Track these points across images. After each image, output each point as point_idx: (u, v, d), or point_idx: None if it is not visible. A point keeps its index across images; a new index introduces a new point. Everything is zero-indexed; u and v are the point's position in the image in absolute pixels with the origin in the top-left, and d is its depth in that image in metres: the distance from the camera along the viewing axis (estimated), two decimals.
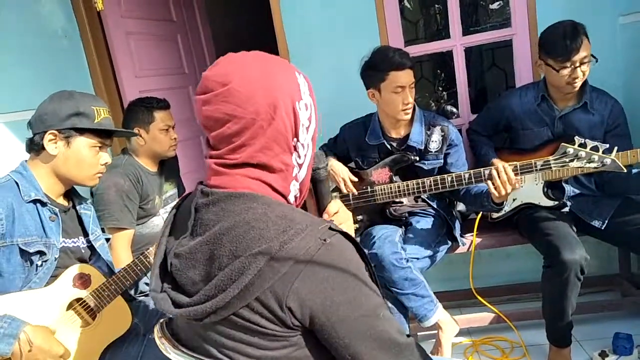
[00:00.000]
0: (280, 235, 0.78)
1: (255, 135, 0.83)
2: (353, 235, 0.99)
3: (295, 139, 0.87)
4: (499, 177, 1.84)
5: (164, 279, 0.90)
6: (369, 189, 2.16)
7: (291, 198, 0.91)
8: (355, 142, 2.24)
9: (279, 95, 0.83)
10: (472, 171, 1.96)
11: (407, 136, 2.13)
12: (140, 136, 2.08)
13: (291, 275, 0.76)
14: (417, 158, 2.11)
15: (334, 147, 2.32)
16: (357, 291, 0.81)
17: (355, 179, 2.18)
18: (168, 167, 2.27)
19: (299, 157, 0.89)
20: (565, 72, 1.95)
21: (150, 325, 1.55)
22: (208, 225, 0.83)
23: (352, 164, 2.28)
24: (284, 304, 0.77)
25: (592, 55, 1.94)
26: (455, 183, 1.98)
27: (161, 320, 1.01)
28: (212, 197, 0.84)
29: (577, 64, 1.92)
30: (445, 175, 2.00)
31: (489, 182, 1.87)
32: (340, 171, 2.15)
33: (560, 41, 1.92)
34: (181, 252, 0.86)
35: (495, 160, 2.06)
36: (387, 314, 0.84)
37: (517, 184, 1.86)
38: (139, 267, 1.52)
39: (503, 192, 1.84)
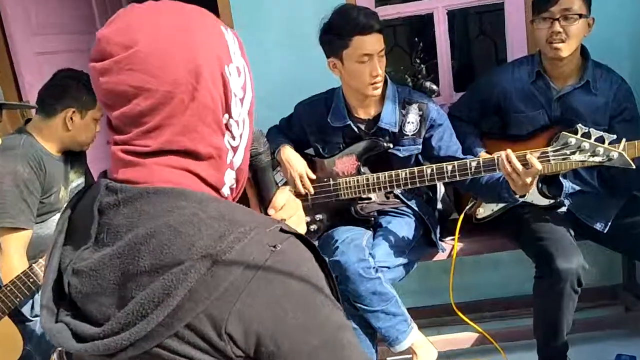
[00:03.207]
0: (216, 242, 0.75)
1: (175, 114, 0.78)
2: (304, 230, 0.97)
3: (226, 115, 0.83)
4: (505, 168, 1.84)
5: (60, 304, 0.83)
6: (331, 182, 2.15)
7: (226, 190, 0.87)
8: (314, 124, 2.22)
9: (202, 58, 0.79)
10: (456, 163, 1.97)
11: (377, 116, 2.13)
12: (72, 120, 2.03)
13: (231, 293, 0.73)
14: (391, 145, 2.12)
15: (288, 130, 2.29)
16: (316, 312, 0.78)
17: (313, 176, 2.15)
18: (74, 152, 2.21)
19: (233, 138, 0.85)
20: (544, 26, 2.02)
21: (48, 352, 1.49)
22: (119, 233, 0.78)
23: (311, 151, 2.26)
24: (223, 329, 0.74)
25: (579, 15, 1.99)
26: (435, 176, 1.99)
27: (59, 348, 0.96)
28: (122, 195, 0.79)
29: (557, 16, 1.99)
30: (424, 167, 2.01)
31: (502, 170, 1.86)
32: (295, 165, 2.12)
33: None
34: (82, 269, 0.80)
35: (483, 154, 2.09)
36: (352, 339, 0.82)
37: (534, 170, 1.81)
38: (32, 280, 1.45)
39: (520, 183, 1.84)
